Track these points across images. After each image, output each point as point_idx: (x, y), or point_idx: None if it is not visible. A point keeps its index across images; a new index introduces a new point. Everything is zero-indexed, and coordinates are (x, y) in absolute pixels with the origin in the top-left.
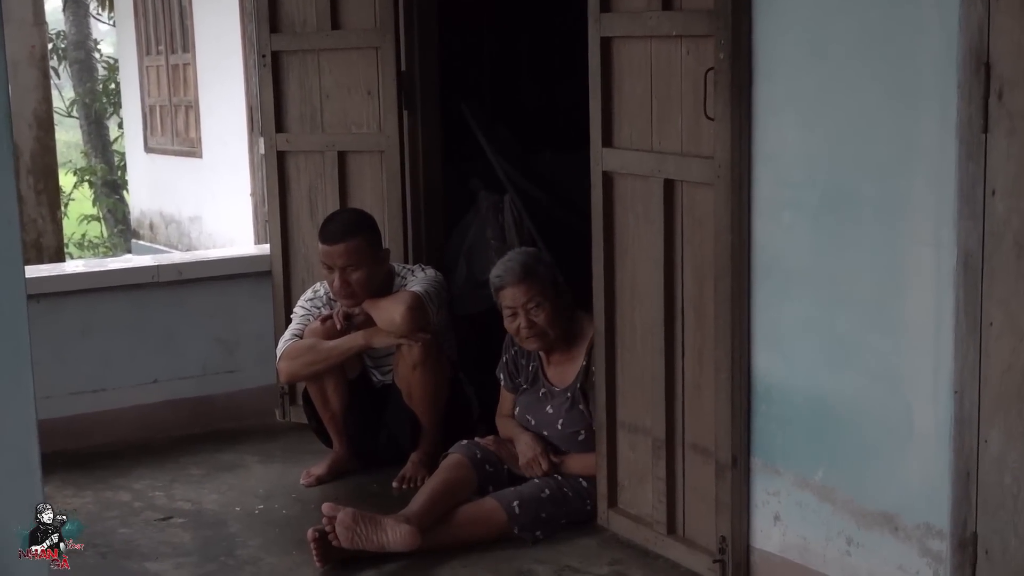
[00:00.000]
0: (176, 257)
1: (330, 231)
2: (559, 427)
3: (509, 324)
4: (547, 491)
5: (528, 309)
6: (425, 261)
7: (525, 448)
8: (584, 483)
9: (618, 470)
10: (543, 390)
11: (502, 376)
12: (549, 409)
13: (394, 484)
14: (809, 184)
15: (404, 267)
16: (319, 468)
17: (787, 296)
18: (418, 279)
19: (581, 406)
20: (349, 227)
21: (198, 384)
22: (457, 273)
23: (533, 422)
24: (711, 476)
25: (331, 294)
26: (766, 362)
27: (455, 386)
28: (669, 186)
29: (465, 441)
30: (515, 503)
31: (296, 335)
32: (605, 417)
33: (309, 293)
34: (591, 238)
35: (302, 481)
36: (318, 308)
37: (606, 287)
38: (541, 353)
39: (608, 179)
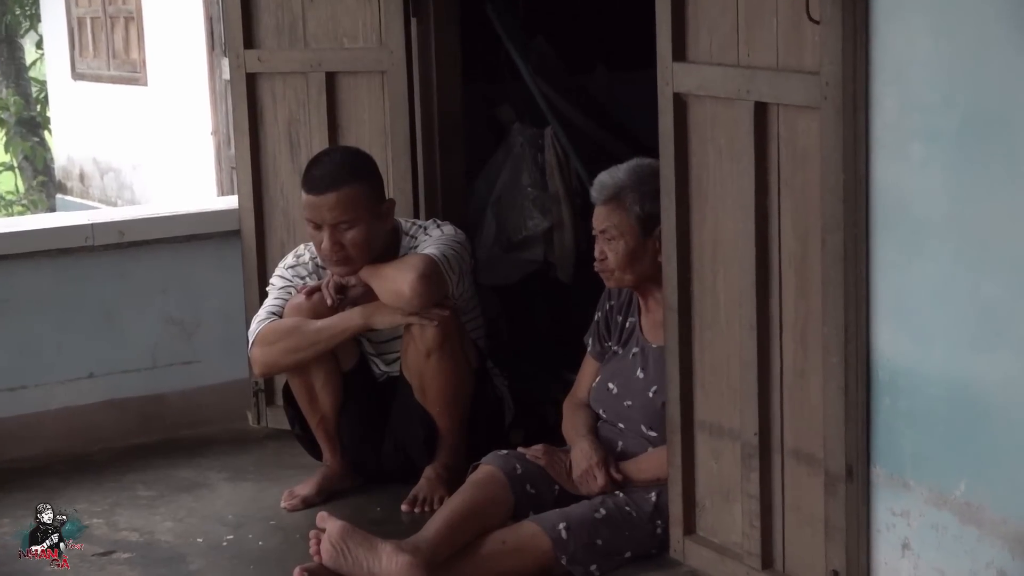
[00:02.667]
0: (117, 214)
1: (317, 177)
2: (650, 395)
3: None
4: (603, 511)
5: (605, 237)
6: (442, 215)
7: (579, 457)
8: (654, 497)
9: (697, 486)
10: (636, 349)
11: (590, 341)
12: (640, 373)
13: (403, 507)
14: (946, 106)
15: (414, 224)
16: (305, 487)
17: (918, 254)
18: (432, 239)
19: None
20: (342, 172)
21: (146, 379)
22: (484, 231)
23: (615, 390)
24: (819, 492)
25: (319, 259)
26: (890, 341)
27: (482, 379)
28: (761, 111)
29: (503, 452)
30: (561, 526)
31: (274, 313)
32: (679, 416)
33: (290, 259)
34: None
35: (283, 504)
36: (302, 278)
37: (679, 245)
38: (641, 301)
39: (681, 103)
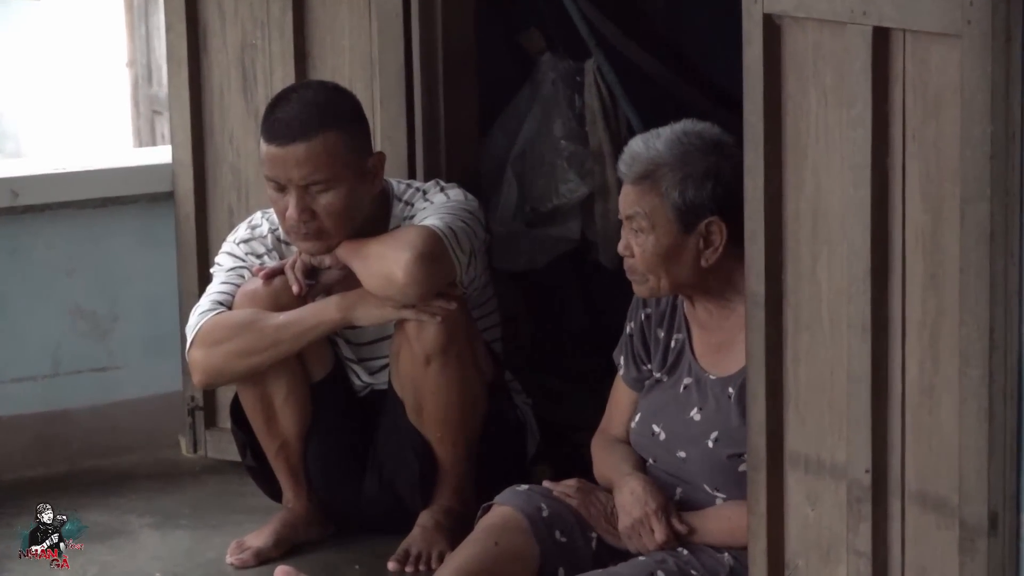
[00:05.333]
0: (7, 169)
1: (281, 123)
2: (709, 444)
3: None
4: (661, 574)
5: (632, 227)
6: (446, 176)
7: (629, 501)
8: (729, 558)
9: (787, 540)
10: (688, 380)
11: (621, 361)
12: (695, 414)
13: (391, 565)
14: None
15: (409, 186)
16: (259, 537)
17: None
18: (435, 206)
19: None
20: (314, 115)
21: (46, 391)
22: (502, 198)
23: (663, 436)
24: (952, 548)
25: (282, 232)
26: None
27: (498, 396)
28: (882, 39)
29: (523, 487)
30: None
31: (221, 304)
32: (764, 448)
33: (243, 231)
34: (741, 135)
35: (229, 559)
36: (259, 256)
37: (768, 218)
38: (689, 309)
39: (773, 28)
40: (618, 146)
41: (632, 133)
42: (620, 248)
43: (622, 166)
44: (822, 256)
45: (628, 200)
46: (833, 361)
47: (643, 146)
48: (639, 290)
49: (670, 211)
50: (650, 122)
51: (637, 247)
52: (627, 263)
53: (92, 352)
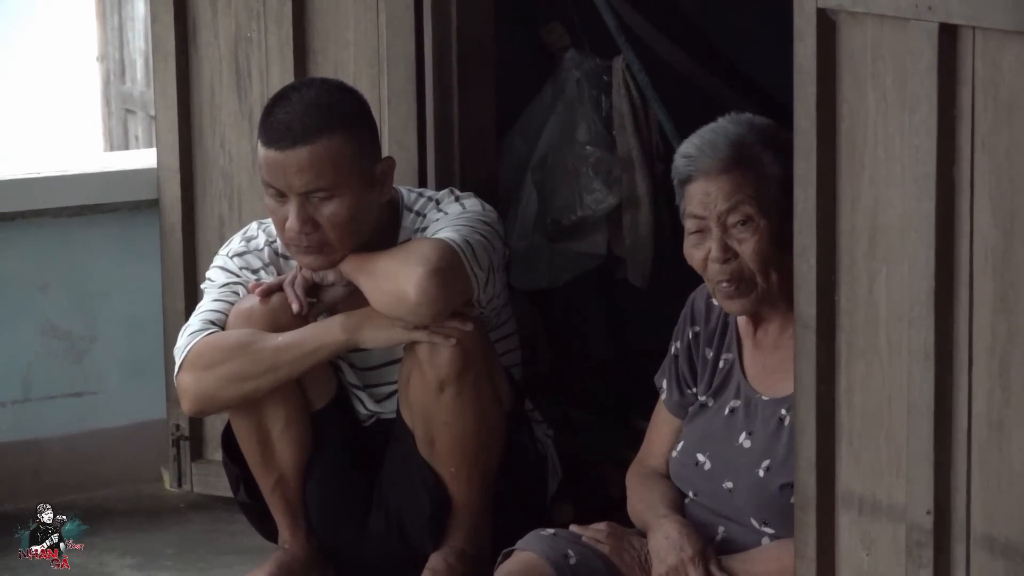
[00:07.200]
0: None
1: (281, 124)
2: (760, 473)
3: (693, 253)
4: None
5: (728, 223)
6: (461, 184)
7: (663, 546)
8: None
9: None
10: (735, 402)
11: (664, 384)
12: (744, 440)
13: None
14: None
15: (421, 195)
16: None
17: None
18: (449, 217)
19: None
20: (316, 117)
21: (15, 417)
22: (520, 209)
23: (708, 465)
24: None
25: (280, 245)
26: None
27: (518, 428)
28: (948, 37)
29: (548, 531)
30: None
31: (213, 323)
32: (814, 485)
33: (237, 243)
34: (791, 143)
35: None
36: (254, 271)
37: (821, 233)
38: (746, 327)
39: (828, 24)
40: (648, 152)
41: (664, 138)
42: (716, 254)
43: (703, 157)
44: (880, 275)
45: (724, 191)
46: (891, 391)
47: (715, 135)
48: (740, 306)
49: (776, 188)
50: (684, 126)
51: (744, 244)
52: (727, 271)
53: (67, 375)
